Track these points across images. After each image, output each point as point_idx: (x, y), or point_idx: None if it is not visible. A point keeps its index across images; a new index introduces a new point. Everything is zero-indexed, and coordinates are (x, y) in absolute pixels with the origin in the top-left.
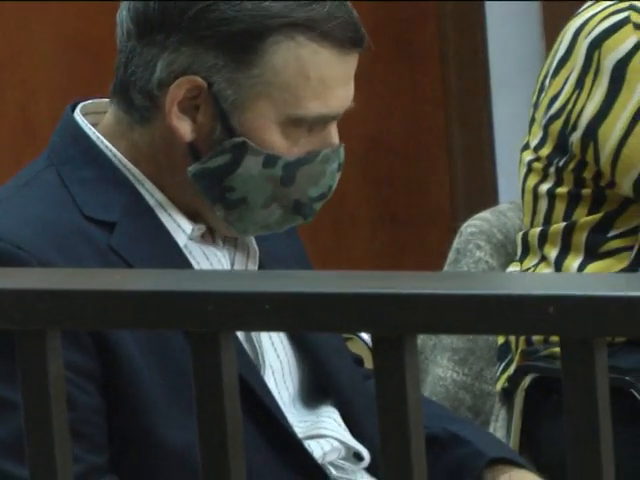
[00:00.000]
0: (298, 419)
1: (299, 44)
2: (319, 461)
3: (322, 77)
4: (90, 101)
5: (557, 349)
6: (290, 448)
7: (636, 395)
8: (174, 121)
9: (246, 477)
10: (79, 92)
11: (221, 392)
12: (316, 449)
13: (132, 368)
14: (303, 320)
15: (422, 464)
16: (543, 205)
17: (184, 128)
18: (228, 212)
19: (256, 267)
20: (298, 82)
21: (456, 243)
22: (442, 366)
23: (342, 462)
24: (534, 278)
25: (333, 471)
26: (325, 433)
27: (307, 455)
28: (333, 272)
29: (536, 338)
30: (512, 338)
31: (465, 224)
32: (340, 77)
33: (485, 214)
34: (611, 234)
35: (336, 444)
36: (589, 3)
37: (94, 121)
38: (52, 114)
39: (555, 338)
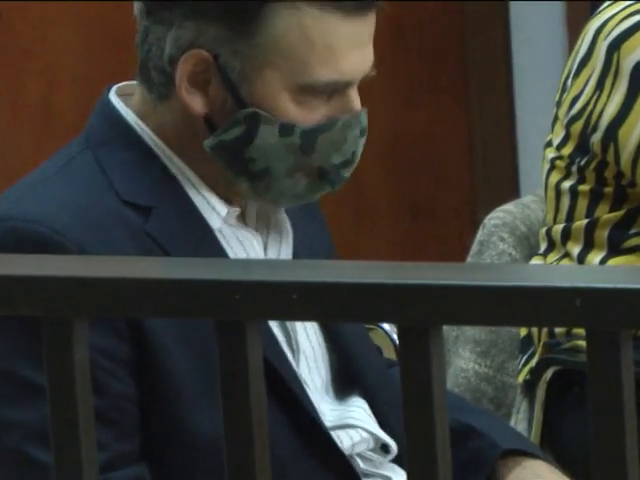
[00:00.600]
0: (330, 407)
1: (300, 10)
2: (347, 452)
3: (328, 43)
4: (123, 83)
5: (580, 342)
6: (317, 438)
7: None
8: (185, 96)
9: (272, 465)
10: (101, 80)
11: (247, 380)
12: (345, 440)
13: (164, 356)
14: (329, 310)
15: (447, 454)
16: (566, 202)
17: (196, 102)
18: (254, 184)
19: (290, 250)
20: (303, 49)
21: (479, 235)
22: (464, 358)
23: (370, 454)
24: (560, 270)
25: (361, 463)
26: (354, 423)
27: (334, 445)
28: (360, 262)
29: (558, 331)
30: (534, 330)
31: (488, 216)
32: (349, 42)
33: (509, 206)
34: (633, 231)
35: (365, 435)
36: (608, 2)
37: (127, 102)
38: (73, 103)
39: (578, 331)
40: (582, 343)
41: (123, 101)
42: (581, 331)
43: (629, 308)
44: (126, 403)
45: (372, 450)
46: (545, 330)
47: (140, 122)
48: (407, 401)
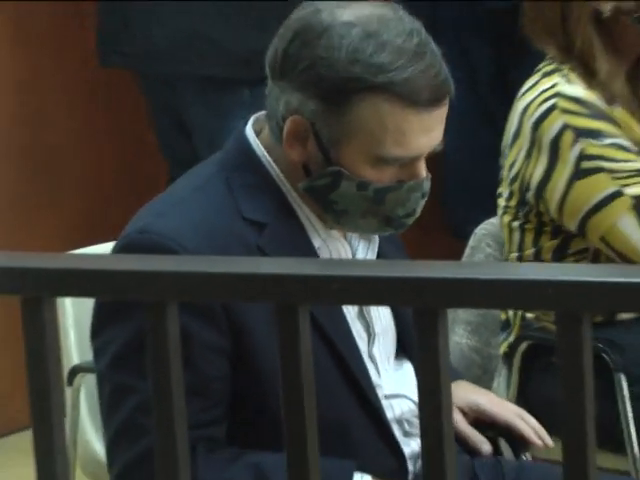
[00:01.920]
0: (390, 376)
1: (379, 102)
2: (397, 417)
3: (399, 128)
4: (259, 114)
5: (547, 324)
6: (370, 409)
7: (606, 358)
8: (287, 148)
9: (336, 425)
10: None
11: (299, 356)
12: (396, 408)
13: (251, 339)
14: (362, 297)
15: (450, 403)
16: (516, 236)
17: (295, 153)
18: (336, 218)
19: (375, 254)
20: (379, 131)
21: (471, 242)
22: (458, 334)
23: (414, 419)
24: (537, 267)
25: (406, 426)
26: (405, 393)
27: (382, 416)
28: (384, 260)
29: (530, 315)
30: (512, 314)
31: (478, 228)
32: (420, 129)
33: (493, 220)
34: (569, 252)
35: (412, 405)
36: (528, 85)
37: (258, 135)
38: None
39: (545, 316)
40: (549, 325)
41: (255, 134)
42: (549, 316)
43: (590, 297)
44: (215, 383)
45: (416, 416)
46: (520, 314)
47: (266, 154)
48: (421, 365)
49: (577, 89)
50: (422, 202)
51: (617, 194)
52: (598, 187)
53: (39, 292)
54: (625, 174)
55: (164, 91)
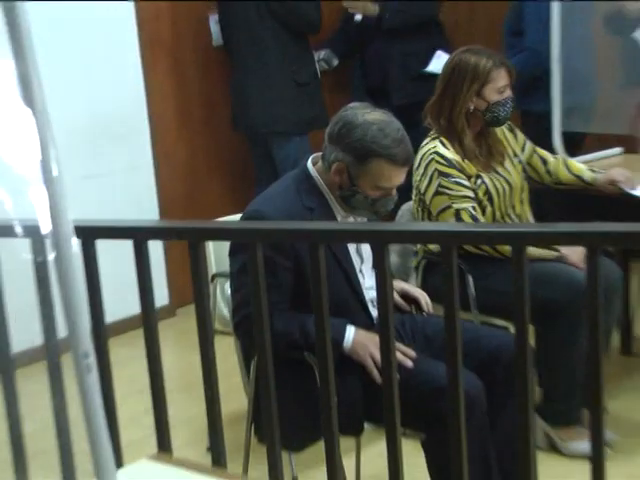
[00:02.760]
0: (369, 280)
1: (381, 162)
2: (371, 299)
3: (388, 175)
4: (316, 154)
5: (435, 251)
6: (358, 296)
7: (462, 268)
8: (333, 176)
9: (339, 303)
10: None
11: (319, 274)
12: (371, 294)
13: (302, 262)
14: (353, 238)
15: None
16: (419, 214)
17: (337, 179)
18: (351, 211)
19: None
20: (380, 175)
21: (398, 215)
22: (393, 256)
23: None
24: (431, 224)
25: (375, 303)
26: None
27: (363, 300)
28: (365, 223)
29: (430, 246)
30: (419, 246)
31: (401, 208)
32: (396, 175)
33: (408, 205)
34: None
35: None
36: (425, 142)
37: (314, 165)
38: None
39: (433, 247)
40: (437, 251)
41: (312, 164)
42: (437, 248)
43: (457, 237)
44: (284, 284)
45: None
46: (420, 246)
47: (317, 175)
48: (378, 273)
49: (445, 150)
50: (392, 205)
51: (449, 206)
52: (443, 201)
53: (196, 239)
54: (457, 197)
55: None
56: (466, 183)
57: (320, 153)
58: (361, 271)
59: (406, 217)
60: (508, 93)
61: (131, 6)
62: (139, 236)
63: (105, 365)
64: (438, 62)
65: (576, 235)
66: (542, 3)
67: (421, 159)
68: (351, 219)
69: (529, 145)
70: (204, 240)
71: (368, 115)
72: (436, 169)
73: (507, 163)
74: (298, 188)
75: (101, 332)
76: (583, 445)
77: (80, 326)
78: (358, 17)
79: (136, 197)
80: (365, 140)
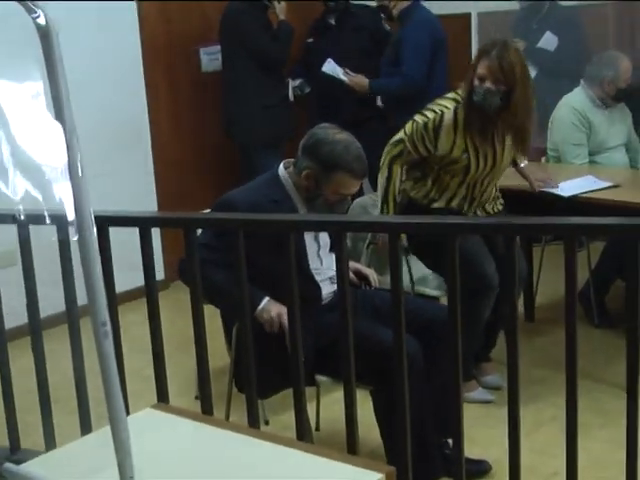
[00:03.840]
0: (327, 262)
1: (342, 174)
2: (329, 277)
3: (348, 184)
4: (287, 160)
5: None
6: (311, 279)
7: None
8: (303, 180)
9: (305, 279)
10: None
11: (290, 257)
12: (329, 273)
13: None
14: (313, 228)
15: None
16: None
17: (305, 182)
18: (313, 209)
19: None
20: (340, 186)
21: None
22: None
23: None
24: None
25: (333, 280)
26: (334, 268)
27: (314, 281)
28: (325, 215)
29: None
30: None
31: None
32: (354, 185)
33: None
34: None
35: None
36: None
37: (287, 165)
38: None
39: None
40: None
41: (284, 167)
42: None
43: (401, 227)
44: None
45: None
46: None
47: (287, 177)
48: (337, 256)
49: (448, 116)
50: (347, 209)
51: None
52: (401, 134)
53: (188, 226)
54: (409, 141)
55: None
56: (426, 146)
57: (292, 159)
58: (319, 255)
59: (357, 210)
60: (487, 84)
61: (137, 37)
62: (144, 224)
63: (116, 329)
64: (328, 66)
65: (496, 226)
66: (419, 38)
67: (433, 105)
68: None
69: None
70: (196, 228)
71: (336, 135)
72: (425, 119)
73: (503, 148)
74: (267, 185)
75: (113, 302)
76: (474, 394)
77: (99, 299)
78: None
79: (137, 193)
80: (333, 155)
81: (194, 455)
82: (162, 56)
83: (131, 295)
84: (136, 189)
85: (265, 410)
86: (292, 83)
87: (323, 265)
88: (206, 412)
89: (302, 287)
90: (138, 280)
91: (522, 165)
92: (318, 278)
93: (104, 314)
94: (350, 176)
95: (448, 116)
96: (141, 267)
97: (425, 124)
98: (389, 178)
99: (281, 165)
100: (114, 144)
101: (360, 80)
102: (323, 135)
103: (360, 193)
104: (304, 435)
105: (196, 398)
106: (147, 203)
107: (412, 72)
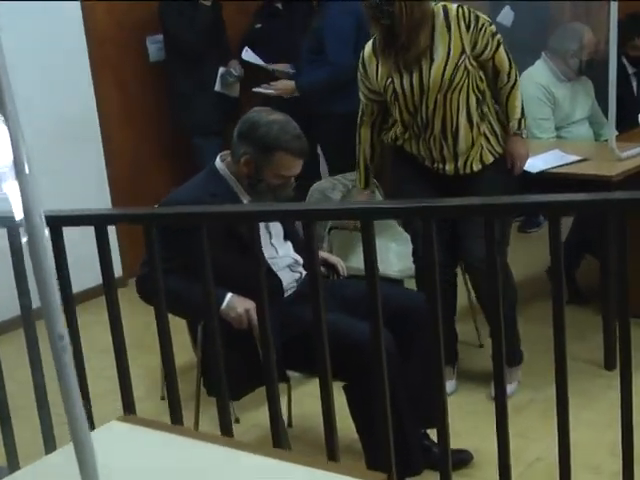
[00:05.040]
0: (283, 247)
1: (282, 154)
2: (287, 264)
3: (289, 165)
4: (224, 152)
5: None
6: (270, 274)
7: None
8: (242, 167)
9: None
10: None
11: (257, 247)
12: (286, 261)
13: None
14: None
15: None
16: None
17: (244, 170)
18: (256, 197)
19: None
20: (282, 165)
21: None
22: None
23: (296, 264)
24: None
25: (293, 268)
26: (289, 255)
27: (273, 272)
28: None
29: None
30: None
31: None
32: (295, 165)
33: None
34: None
35: (293, 259)
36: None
37: (223, 161)
38: None
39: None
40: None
41: (221, 159)
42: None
43: (374, 213)
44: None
45: (297, 263)
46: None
47: (225, 169)
48: (304, 247)
49: (367, 50)
50: (291, 191)
51: None
52: None
53: (147, 223)
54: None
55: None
56: (367, 87)
57: (228, 151)
58: (272, 244)
59: (315, 195)
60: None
61: (82, 31)
62: (100, 222)
63: (74, 331)
64: (247, 54)
65: (413, 210)
66: (341, 25)
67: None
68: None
69: (489, 45)
70: (157, 224)
71: (270, 116)
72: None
73: (428, 62)
74: (206, 180)
75: (71, 306)
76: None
77: (54, 310)
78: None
79: (90, 189)
80: (269, 136)
81: (165, 470)
82: (108, 47)
83: (86, 295)
84: (88, 186)
85: (234, 408)
86: (220, 70)
87: (279, 253)
88: (176, 422)
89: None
90: (91, 280)
91: (512, 133)
92: (275, 268)
93: (61, 326)
94: (290, 155)
95: (367, 47)
96: (93, 266)
97: (359, 64)
98: (358, 143)
99: (218, 158)
100: (62, 140)
101: (285, 84)
102: (257, 118)
103: (300, 175)
104: (280, 438)
105: (162, 399)
106: (100, 199)
107: (337, 59)
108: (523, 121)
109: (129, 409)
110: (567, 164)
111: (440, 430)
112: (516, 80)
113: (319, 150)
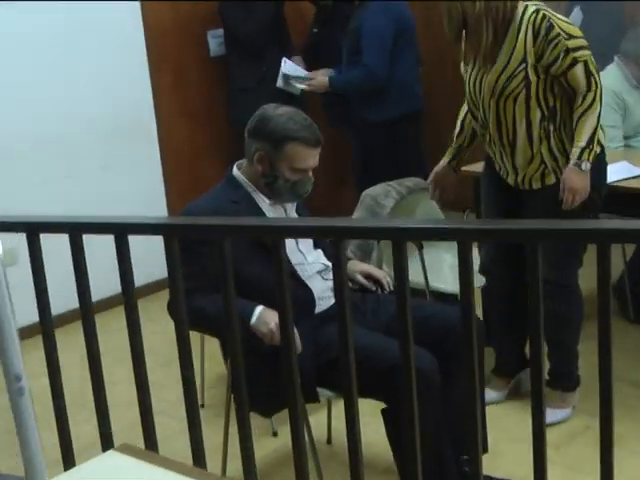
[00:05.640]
0: (312, 254)
1: (294, 145)
2: (318, 270)
3: (303, 156)
4: (240, 161)
5: None
6: (299, 279)
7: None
8: (256, 165)
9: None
10: None
11: (282, 265)
12: (316, 267)
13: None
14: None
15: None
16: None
17: (259, 167)
18: (275, 197)
19: (294, 212)
20: (295, 158)
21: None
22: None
23: (327, 270)
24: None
25: (324, 275)
26: (320, 261)
27: (303, 282)
28: (301, 218)
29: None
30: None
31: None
32: (310, 157)
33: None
34: None
35: (323, 265)
36: None
37: (239, 168)
38: None
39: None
40: None
41: (237, 168)
42: None
43: (406, 232)
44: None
45: (327, 270)
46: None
47: (241, 175)
48: (334, 260)
49: None
50: (310, 187)
51: None
52: None
53: (168, 233)
54: None
55: None
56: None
57: (243, 160)
58: (300, 250)
59: (366, 201)
60: None
61: (140, 25)
62: (74, 230)
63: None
64: (286, 67)
65: (454, 231)
66: (378, 25)
67: None
68: (278, 208)
69: (559, 60)
70: (177, 237)
71: (278, 110)
72: None
73: (497, 65)
74: (225, 189)
75: (49, 323)
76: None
77: (10, 347)
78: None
79: (146, 187)
80: (278, 128)
81: None
82: (167, 41)
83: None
84: (143, 182)
85: (273, 421)
86: (283, 67)
87: (308, 260)
88: (196, 459)
89: (293, 293)
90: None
91: (573, 160)
92: (303, 275)
93: (17, 367)
94: (301, 146)
95: None
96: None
97: None
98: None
99: (234, 167)
100: (117, 137)
101: (319, 81)
102: (264, 113)
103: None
104: (302, 462)
105: (202, 406)
106: (156, 198)
107: (372, 62)
108: (587, 152)
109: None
110: (636, 177)
111: (472, 456)
112: (592, 105)
113: None
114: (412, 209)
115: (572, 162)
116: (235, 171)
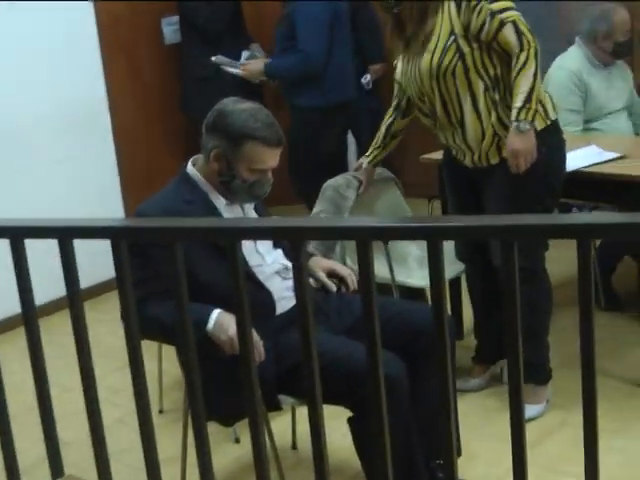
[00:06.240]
0: (272, 254)
1: (254, 144)
2: (276, 270)
3: (262, 156)
4: (198, 156)
5: None
6: (256, 280)
7: None
8: (212, 163)
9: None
10: None
11: (237, 269)
12: (275, 267)
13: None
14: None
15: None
16: None
17: (215, 165)
18: (231, 197)
19: (252, 210)
20: (254, 158)
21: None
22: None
23: (286, 270)
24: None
25: (282, 275)
26: (278, 261)
27: (260, 282)
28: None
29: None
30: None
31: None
32: (270, 156)
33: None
34: None
35: (282, 265)
36: None
37: (194, 164)
38: None
39: None
40: None
41: (192, 164)
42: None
43: (374, 231)
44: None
45: (286, 269)
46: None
47: (196, 173)
48: (294, 258)
49: None
50: (269, 188)
51: None
52: None
53: (115, 237)
54: None
55: None
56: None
57: (199, 155)
58: (258, 252)
59: (329, 192)
60: None
61: (91, 11)
62: (15, 234)
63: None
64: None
65: (422, 229)
66: (313, 10)
67: None
68: (235, 208)
69: (487, 25)
70: (124, 239)
71: (239, 105)
72: None
73: (429, 45)
74: (177, 187)
75: (34, 327)
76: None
77: None
78: None
79: (101, 182)
80: (237, 125)
81: None
82: (120, 29)
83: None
84: (96, 175)
85: (235, 428)
86: (244, 54)
87: (267, 261)
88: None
89: (252, 296)
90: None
91: (513, 123)
92: (261, 277)
93: None
94: (261, 145)
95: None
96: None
97: None
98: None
99: (189, 163)
100: (69, 127)
101: (254, 66)
102: (224, 107)
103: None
104: (263, 471)
105: (160, 412)
106: (111, 189)
107: (308, 48)
108: (524, 111)
109: None
110: (605, 162)
111: (447, 461)
112: (526, 63)
113: None
114: (375, 199)
115: (513, 125)
116: (190, 168)
